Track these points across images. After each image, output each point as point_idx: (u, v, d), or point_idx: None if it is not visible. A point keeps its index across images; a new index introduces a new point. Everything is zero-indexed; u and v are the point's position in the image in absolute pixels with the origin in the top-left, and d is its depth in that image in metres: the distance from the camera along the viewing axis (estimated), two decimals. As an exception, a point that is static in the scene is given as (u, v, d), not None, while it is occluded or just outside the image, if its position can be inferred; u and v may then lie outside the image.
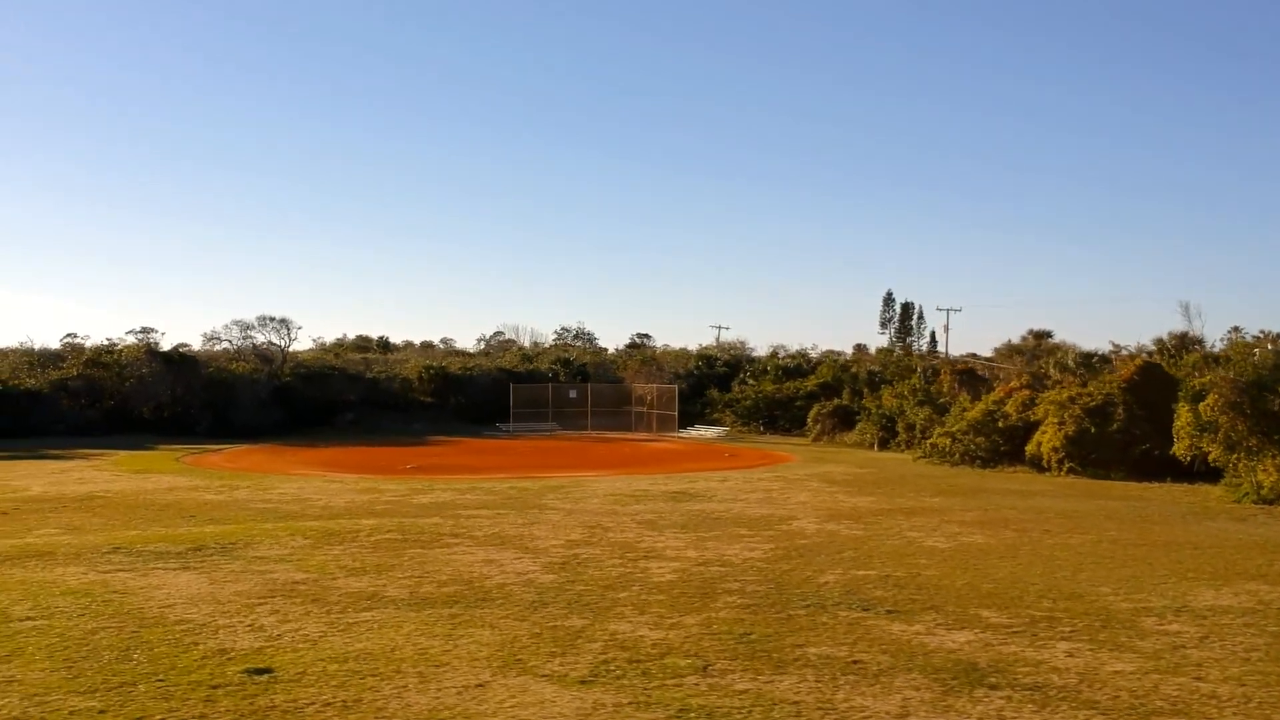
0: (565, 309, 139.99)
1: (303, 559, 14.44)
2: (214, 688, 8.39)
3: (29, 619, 10.71)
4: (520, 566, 14.01)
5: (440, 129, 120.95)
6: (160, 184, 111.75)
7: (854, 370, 49.52)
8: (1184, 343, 45.48)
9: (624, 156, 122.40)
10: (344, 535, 16.57)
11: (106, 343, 49.26)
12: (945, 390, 37.44)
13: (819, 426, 42.47)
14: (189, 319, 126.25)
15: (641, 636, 10.17)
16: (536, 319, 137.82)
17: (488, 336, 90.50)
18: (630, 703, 8.08)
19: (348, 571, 13.54)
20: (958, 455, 30.62)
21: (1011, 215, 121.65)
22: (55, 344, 52.53)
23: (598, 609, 11.39)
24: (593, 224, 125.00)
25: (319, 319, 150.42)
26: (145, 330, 52.34)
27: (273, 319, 52.41)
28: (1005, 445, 29.92)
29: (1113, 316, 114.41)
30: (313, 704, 8.00)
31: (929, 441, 32.25)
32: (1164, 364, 31.81)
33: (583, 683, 8.63)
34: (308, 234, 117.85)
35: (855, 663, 9.31)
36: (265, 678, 8.68)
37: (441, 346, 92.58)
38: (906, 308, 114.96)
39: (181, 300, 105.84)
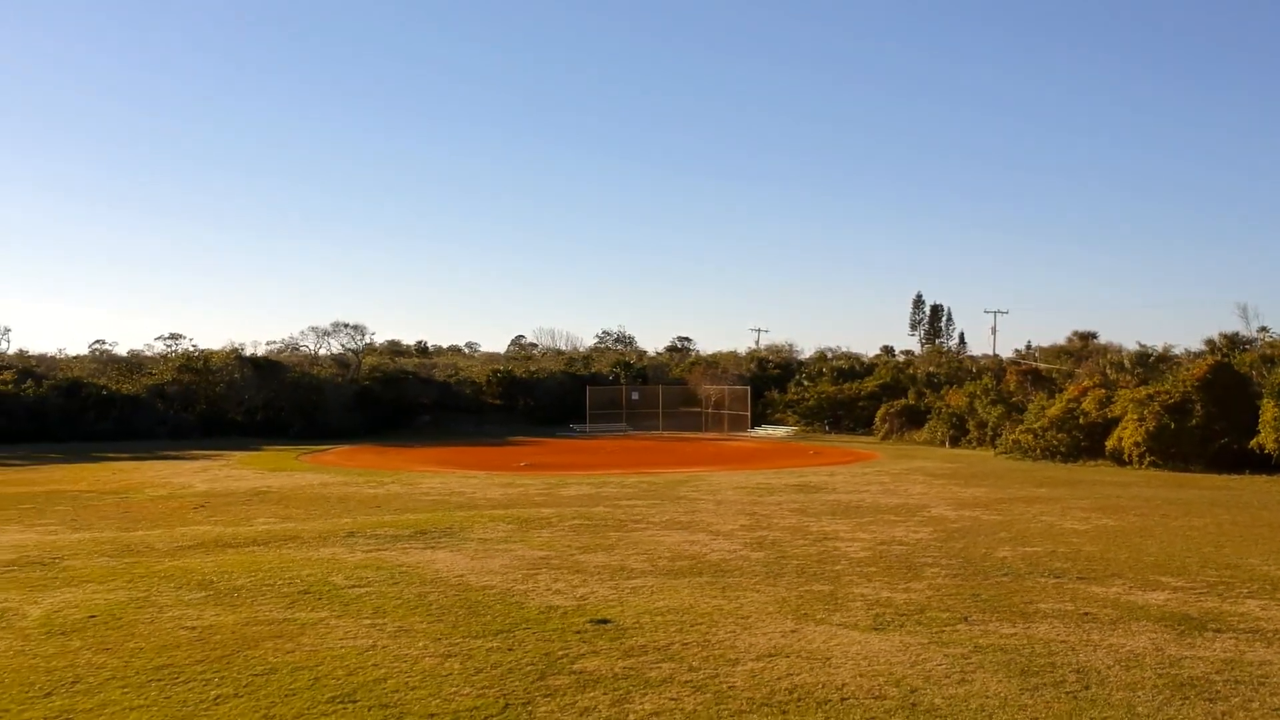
0: (565, 311, 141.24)
1: (525, 540, 16.27)
2: (577, 633, 10.22)
3: (354, 586, 12.57)
4: (724, 546, 15.83)
5: (441, 131, 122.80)
6: (158, 187, 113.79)
7: (911, 371, 51.28)
8: (1234, 342, 47.27)
9: (661, 165, 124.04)
10: (538, 522, 18.41)
11: (194, 348, 51.29)
12: (1013, 389, 39.17)
13: (887, 425, 44.24)
14: (196, 324, 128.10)
15: (889, 597, 11.99)
16: (552, 322, 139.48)
17: (517, 340, 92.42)
18: (930, 643, 9.89)
19: (577, 549, 15.37)
20: (1039, 451, 32.39)
21: (1022, 217, 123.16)
22: (69, 350, 55.38)
23: (829, 578, 13.21)
24: (601, 227, 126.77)
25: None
26: (175, 336, 54.60)
27: (347, 325, 54.52)
28: (1085, 441, 31.67)
29: (1121, 315, 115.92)
30: (672, 644, 9.82)
31: (1011, 437, 34.00)
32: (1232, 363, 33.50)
33: (875, 629, 10.45)
34: (315, 238, 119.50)
35: (1086, 614, 11.11)
36: (610, 626, 10.51)
37: (467, 351, 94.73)
38: (936, 310, 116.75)
39: (184, 305, 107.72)
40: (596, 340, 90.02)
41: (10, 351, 54.68)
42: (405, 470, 30.38)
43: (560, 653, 9.47)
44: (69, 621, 10.79)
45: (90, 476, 28.26)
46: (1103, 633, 10.29)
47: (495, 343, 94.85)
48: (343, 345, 54.39)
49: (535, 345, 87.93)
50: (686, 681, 8.58)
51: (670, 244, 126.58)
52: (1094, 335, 60.54)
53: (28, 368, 47.61)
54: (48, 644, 9.85)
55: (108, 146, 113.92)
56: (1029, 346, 73.81)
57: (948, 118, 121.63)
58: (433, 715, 7.70)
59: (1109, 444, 30.76)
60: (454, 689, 8.34)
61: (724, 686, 8.44)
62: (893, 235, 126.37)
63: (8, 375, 45.31)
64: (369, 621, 10.73)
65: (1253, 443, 27.30)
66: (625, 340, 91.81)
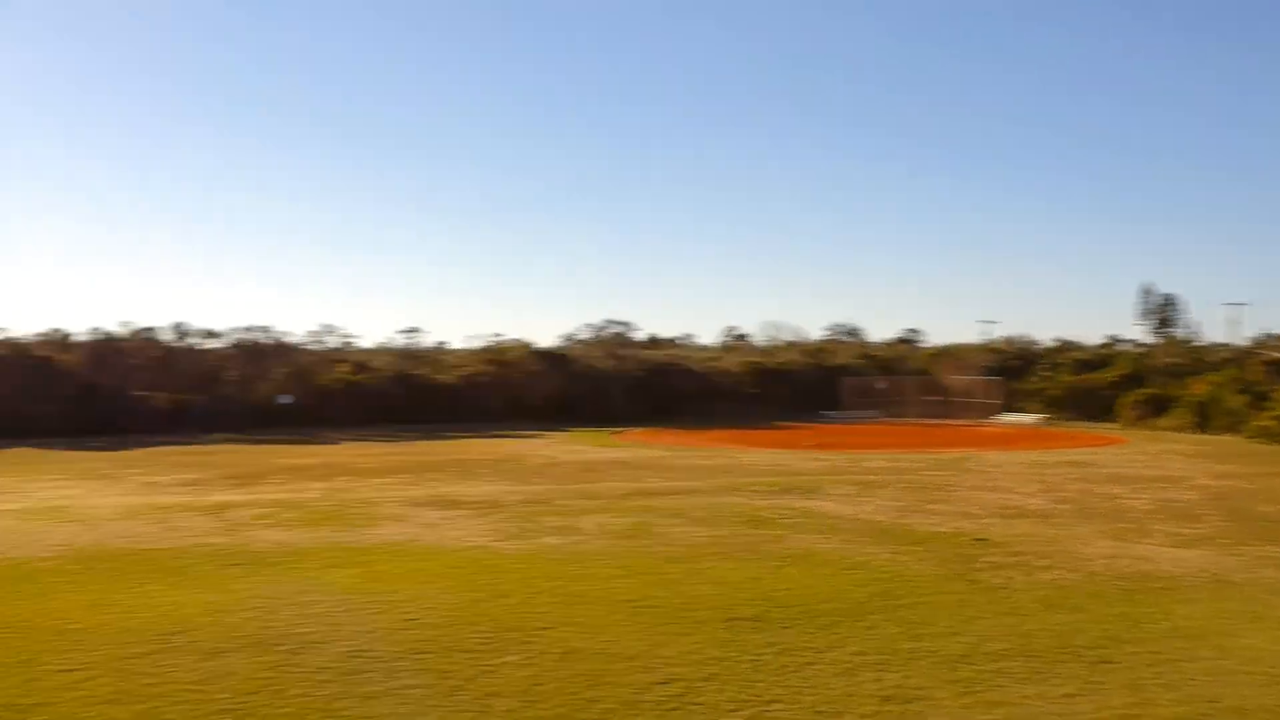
0: (770, 302, 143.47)
1: (872, 495, 21.33)
2: (969, 545, 15.23)
3: (780, 519, 17.92)
4: (1034, 501, 20.48)
5: (671, 126, 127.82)
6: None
7: (1150, 362, 53.87)
8: None
9: (882, 159, 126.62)
10: (871, 484, 23.45)
11: (493, 342, 58.78)
12: (1260, 379, 41.75)
13: (1132, 413, 47.27)
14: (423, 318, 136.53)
15: (1179, 532, 16.52)
16: (768, 313, 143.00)
17: (731, 332, 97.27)
18: (1221, 554, 14.49)
19: (920, 501, 20.33)
20: (1286, 436, 35.31)
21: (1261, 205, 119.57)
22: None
23: (1129, 520, 17.78)
24: (819, 222, 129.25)
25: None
26: (412, 330, 61.92)
27: (616, 321, 61.29)
28: (1332, 427, 34.44)
29: None
30: (1038, 551, 14.71)
31: (1257, 424, 36.94)
32: None
33: (1177, 548, 15.05)
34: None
35: (1337, 544, 15.40)
36: (988, 542, 15.48)
37: (683, 341, 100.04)
38: (1167, 299, 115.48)
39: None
40: (826, 332, 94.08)
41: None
42: (711, 447, 35.98)
43: (967, 553, 14.54)
44: (616, 531, 16.55)
45: (468, 450, 35.00)
46: (1349, 553, 14.62)
47: (708, 335, 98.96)
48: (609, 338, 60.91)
49: (745, 337, 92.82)
50: (1062, 567, 13.50)
51: (891, 237, 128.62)
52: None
53: (361, 360, 55.93)
54: (620, 543, 15.54)
55: (351, 140, 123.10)
56: (1270, 336, 74.11)
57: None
58: (916, 575, 12.88)
59: (1357, 429, 33.48)
60: (915, 567, 13.51)
61: (1089, 570, 13.31)
62: (1118, 221, 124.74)
63: (347, 367, 53.65)
64: (818, 536, 16.04)
65: None
66: (854, 332, 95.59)
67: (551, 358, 55.43)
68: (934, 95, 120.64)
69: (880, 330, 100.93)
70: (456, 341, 64.23)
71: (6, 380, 45.68)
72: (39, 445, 37.46)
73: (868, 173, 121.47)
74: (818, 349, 68.36)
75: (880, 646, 9.57)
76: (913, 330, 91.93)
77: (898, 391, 57.03)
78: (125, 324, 54.59)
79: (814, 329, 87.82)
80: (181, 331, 54.81)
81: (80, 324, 72.38)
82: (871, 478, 24.89)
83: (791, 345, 77.91)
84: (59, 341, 53.76)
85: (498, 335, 61.01)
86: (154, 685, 8.32)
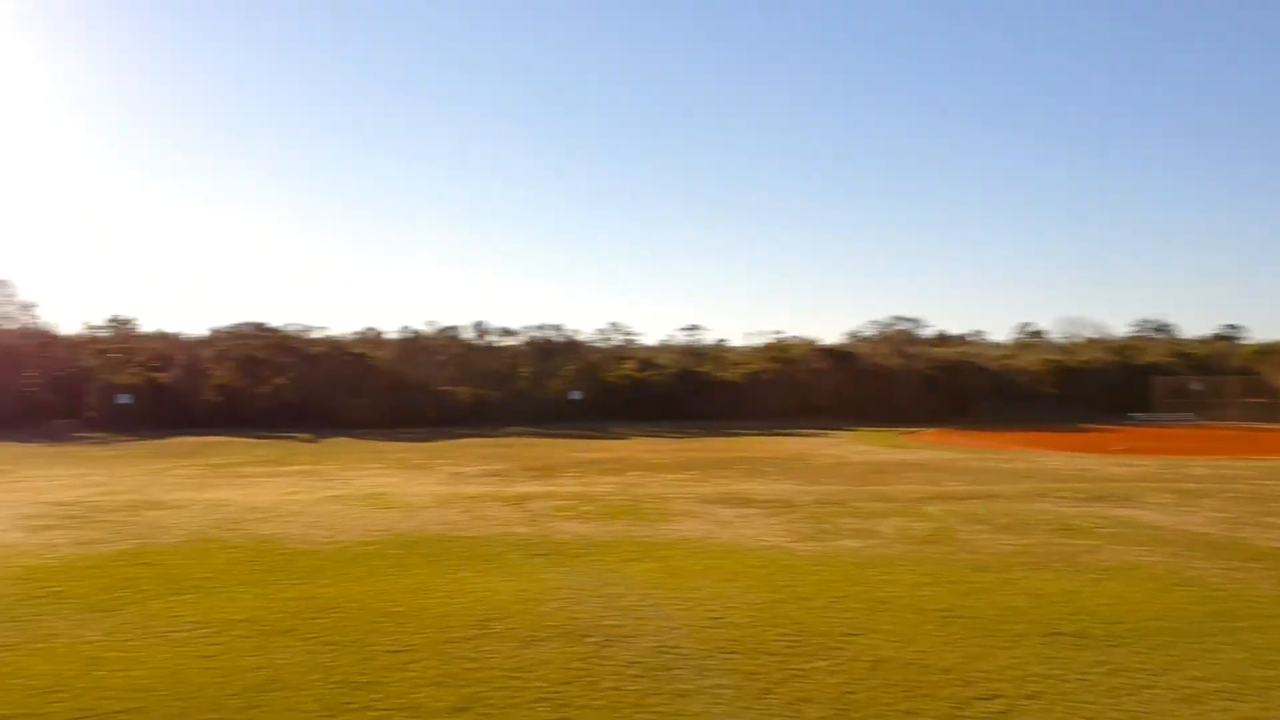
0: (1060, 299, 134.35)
1: (1196, 506, 19.59)
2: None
3: (1096, 528, 16.76)
4: (1392, 517, 18.25)
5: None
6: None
7: None
8: None
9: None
10: (1196, 493, 21.58)
11: (776, 339, 58.67)
12: None
13: None
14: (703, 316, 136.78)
15: None
16: (1063, 309, 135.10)
17: (1024, 329, 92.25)
18: None
19: (1257, 514, 18.48)
20: None
21: None
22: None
23: None
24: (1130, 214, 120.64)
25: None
26: (693, 328, 61.60)
27: (903, 317, 59.76)
28: None
29: None
30: (1406, 574, 13.02)
31: None
32: None
33: None
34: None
35: None
36: (1340, 561, 13.86)
37: (972, 339, 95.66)
38: None
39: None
40: (1132, 329, 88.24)
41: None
42: (1009, 449, 34.37)
43: (1316, 574, 13.06)
44: (917, 536, 15.96)
45: (752, 448, 35.06)
46: None
47: (1000, 331, 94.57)
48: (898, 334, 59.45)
49: (1041, 333, 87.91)
50: None
51: (1207, 228, 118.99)
52: None
53: (645, 358, 57.21)
54: (922, 549, 14.93)
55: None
56: None
57: None
58: (1258, 595, 11.66)
59: None
60: (1257, 587, 12.24)
61: None
62: None
63: (632, 364, 54.98)
64: (1138, 548, 14.87)
65: None
66: (1163, 328, 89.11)
67: (836, 355, 54.81)
68: (1242, 84, 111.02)
69: (1194, 327, 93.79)
70: (736, 339, 64.72)
71: (327, 375, 49.74)
72: (355, 435, 40.59)
73: (1180, 164, 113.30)
74: (1123, 346, 64.14)
75: (1226, 673, 8.69)
76: (1232, 326, 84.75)
77: (1216, 392, 52.75)
78: (431, 323, 58.34)
79: (1117, 325, 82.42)
80: (481, 330, 57.95)
81: (391, 323, 77.43)
82: (1193, 485, 22.97)
83: (1094, 342, 73.67)
84: (373, 339, 58.09)
85: (779, 333, 61.02)
86: (475, 670, 8.64)
